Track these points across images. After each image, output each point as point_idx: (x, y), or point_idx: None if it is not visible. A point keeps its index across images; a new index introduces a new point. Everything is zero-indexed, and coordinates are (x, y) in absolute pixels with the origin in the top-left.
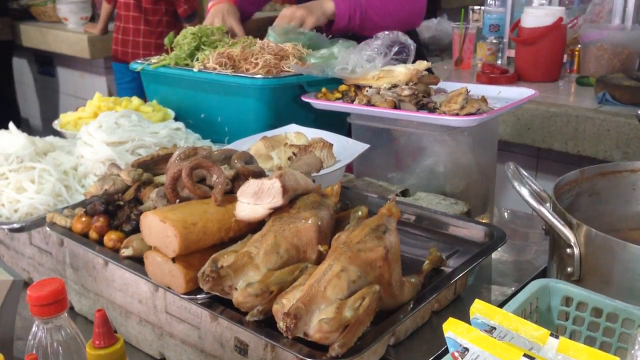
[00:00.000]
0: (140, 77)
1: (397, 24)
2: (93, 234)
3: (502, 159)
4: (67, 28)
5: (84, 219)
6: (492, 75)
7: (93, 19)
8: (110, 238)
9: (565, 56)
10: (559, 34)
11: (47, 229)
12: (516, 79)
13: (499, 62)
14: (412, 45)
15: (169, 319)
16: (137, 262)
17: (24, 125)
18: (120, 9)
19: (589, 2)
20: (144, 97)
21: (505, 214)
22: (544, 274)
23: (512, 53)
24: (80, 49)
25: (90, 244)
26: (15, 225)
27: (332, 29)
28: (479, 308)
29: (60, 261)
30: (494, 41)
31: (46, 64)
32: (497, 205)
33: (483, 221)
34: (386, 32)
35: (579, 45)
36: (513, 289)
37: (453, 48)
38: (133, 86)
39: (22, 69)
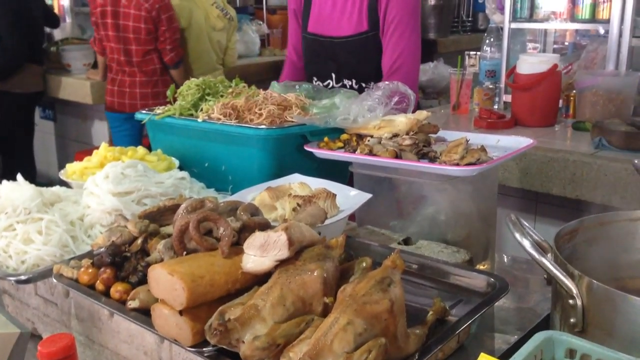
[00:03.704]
0: (136, 124)
1: None
2: (100, 286)
3: (501, 203)
4: (70, 74)
5: (90, 270)
6: (490, 120)
7: (96, 65)
8: (117, 290)
9: (560, 101)
10: (554, 80)
11: (54, 280)
12: (513, 124)
13: (496, 106)
14: (412, 95)
15: None
16: (143, 314)
17: None
18: (112, 62)
19: (582, 48)
20: (140, 143)
21: (506, 259)
22: (546, 321)
23: (508, 98)
24: (82, 94)
25: (96, 296)
26: (22, 277)
27: None
28: None
29: (65, 312)
30: (490, 86)
31: (48, 108)
32: (497, 250)
33: (484, 268)
34: (386, 82)
35: (574, 91)
36: (516, 337)
37: (451, 93)
38: (130, 133)
39: None
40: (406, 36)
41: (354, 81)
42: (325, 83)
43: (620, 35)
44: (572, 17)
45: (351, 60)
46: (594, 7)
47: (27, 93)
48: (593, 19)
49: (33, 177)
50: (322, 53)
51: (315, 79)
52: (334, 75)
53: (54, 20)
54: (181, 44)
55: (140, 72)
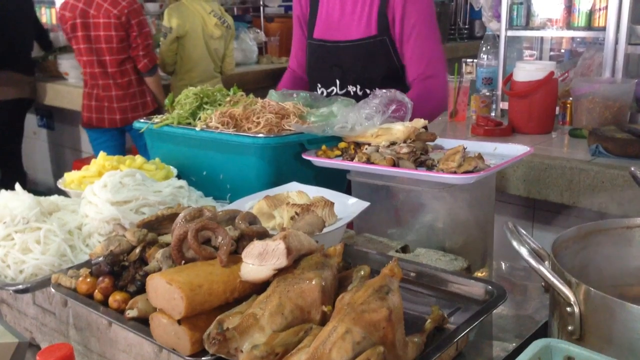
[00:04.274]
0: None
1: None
2: (98, 295)
3: (499, 210)
4: (67, 83)
5: (89, 279)
6: (487, 127)
7: None
8: (115, 299)
9: (557, 109)
10: (551, 87)
11: (52, 289)
12: (510, 131)
13: (493, 114)
14: (409, 103)
15: None
16: (141, 324)
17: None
18: (85, 75)
19: (579, 56)
20: (123, 153)
21: (504, 267)
22: (544, 329)
23: (505, 105)
24: (80, 103)
25: (94, 305)
26: (21, 287)
27: None
28: None
29: (63, 321)
30: (487, 94)
31: (46, 117)
32: (495, 257)
33: (482, 276)
34: (384, 91)
35: (571, 98)
36: (514, 344)
37: (448, 100)
38: (111, 144)
39: None
40: (432, 43)
41: (358, 87)
42: (330, 90)
43: (616, 42)
44: (568, 25)
45: (357, 66)
46: (590, 14)
47: (5, 100)
48: (589, 26)
49: (23, 185)
50: (327, 59)
51: (319, 85)
52: (338, 82)
53: (46, 42)
54: (178, 52)
55: (115, 85)
